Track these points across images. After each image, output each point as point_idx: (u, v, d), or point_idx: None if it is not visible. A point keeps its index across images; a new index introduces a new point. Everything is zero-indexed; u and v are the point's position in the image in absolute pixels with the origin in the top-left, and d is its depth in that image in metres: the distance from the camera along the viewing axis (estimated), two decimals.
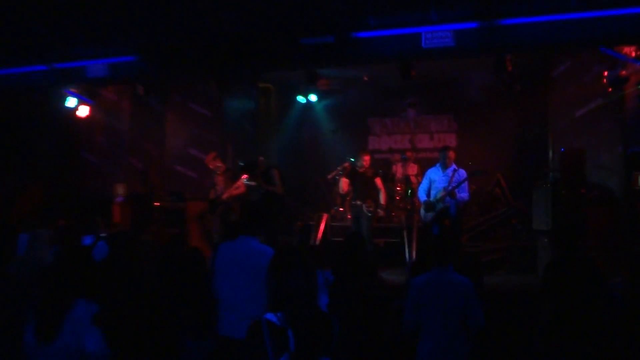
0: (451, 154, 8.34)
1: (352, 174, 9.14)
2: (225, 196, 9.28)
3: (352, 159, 9.33)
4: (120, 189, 11.23)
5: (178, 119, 12.53)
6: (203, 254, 4.36)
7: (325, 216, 10.60)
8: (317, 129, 13.24)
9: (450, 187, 8.05)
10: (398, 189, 11.05)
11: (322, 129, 13.15)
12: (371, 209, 8.72)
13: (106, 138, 11.91)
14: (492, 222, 10.88)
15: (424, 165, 10.29)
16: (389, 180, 11.04)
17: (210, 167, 9.56)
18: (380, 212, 9.03)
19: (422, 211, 8.52)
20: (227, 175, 9.43)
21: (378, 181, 9.01)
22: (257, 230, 4.61)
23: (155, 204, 10.83)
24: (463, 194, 8.11)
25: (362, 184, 8.90)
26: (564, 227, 5.16)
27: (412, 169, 11.34)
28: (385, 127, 13.46)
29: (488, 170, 8.52)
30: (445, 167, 8.31)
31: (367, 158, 8.97)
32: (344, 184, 9.16)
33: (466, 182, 8.13)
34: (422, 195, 8.54)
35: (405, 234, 9.50)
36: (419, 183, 9.14)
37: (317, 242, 10.22)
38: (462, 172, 8.27)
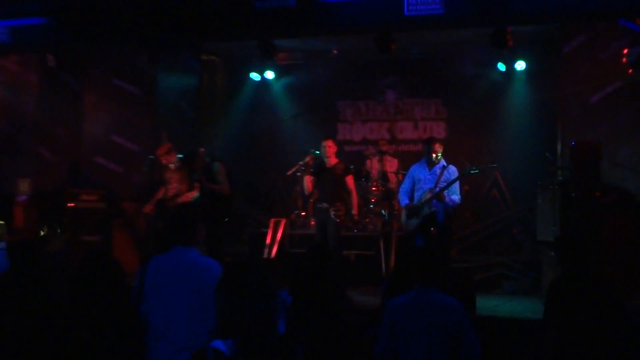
0: (438, 147, 8.44)
1: (318, 171, 9.13)
2: (180, 200, 9.14)
3: (318, 152, 9.36)
4: (24, 185, 11.00)
5: (99, 99, 12.31)
6: (123, 269, 4.28)
7: (283, 222, 10.61)
8: (274, 113, 13.10)
9: (437, 189, 8.15)
10: (374, 189, 11.10)
11: (281, 113, 13.00)
12: (340, 213, 8.74)
13: (6, 121, 11.64)
14: (489, 232, 11.09)
15: (406, 161, 10.45)
16: (362, 178, 11.08)
17: (163, 162, 9.45)
18: (348, 222, 9.04)
19: (403, 217, 8.55)
20: (184, 173, 9.30)
21: (350, 180, 9.05)
22: (196, 239, 4.56)
23: (69, 204, 10.66)
24: (453, 197, 8.20)
25: (329, 183, 8.92)
26: (573, 237, 5.21)
27: (391, 165, 11.31)
28: (359, 112, 13.47)
29: (489, 167, 8.69)
30: (431, 163, 8.41)
31: (329, 144, 9.00)
32: (307, 182, 9.16)
33: (457, 183, 8.22)
34: (403, 197, 8.59)
35: (381, 244, 9.49)
36: (400, 182, 9.14)
37: (272, 255, 10.18)
38: (453, 170, 8.36)
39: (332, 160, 9.03)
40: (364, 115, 13.45)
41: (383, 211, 10.90)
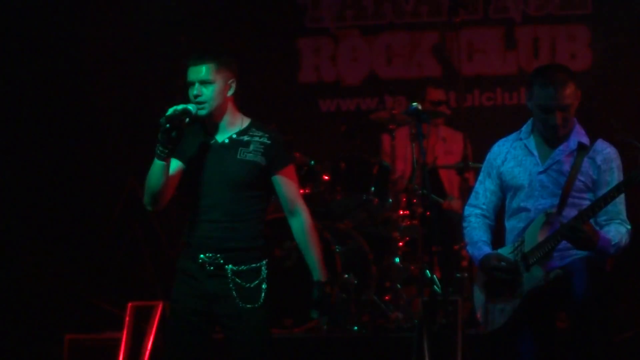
0: (566, 92, 3.71)
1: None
2: None
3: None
4: None
5: None
6: None
7: (159, 310, 6.04)
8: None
9: (567, 210, 3.72)
10: (401, 213, 6.10)
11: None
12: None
13: None
14: None
15: (487, 135, 5.03)
16: (370, 184, 6.06)
17: None
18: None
19: (476, 292, 4.15)
20: None
21: (290, 175, 4.35)
22: None
23: None
24: (614, 229, 3.70)
25: (226, 190, 4.01)
26: None
27: (450, 149, 6.45)
28: (356, 4, 7.17)
29: None
30: (552, 137, 3.87)
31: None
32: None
33: (622, 196, 3.83)
34: (477, 235, 4.10)
35: None
36: (470, 191, 4.65)
37: None
38: (608, 155, 3.82)
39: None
40: (371, 13, 7.22)
41: (428, 272, 5.60)
